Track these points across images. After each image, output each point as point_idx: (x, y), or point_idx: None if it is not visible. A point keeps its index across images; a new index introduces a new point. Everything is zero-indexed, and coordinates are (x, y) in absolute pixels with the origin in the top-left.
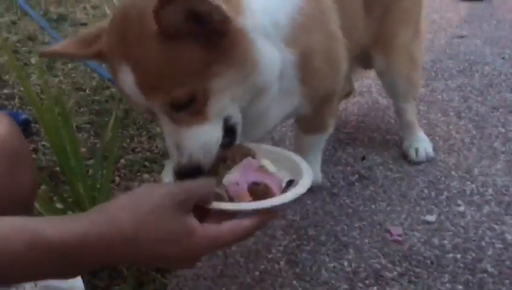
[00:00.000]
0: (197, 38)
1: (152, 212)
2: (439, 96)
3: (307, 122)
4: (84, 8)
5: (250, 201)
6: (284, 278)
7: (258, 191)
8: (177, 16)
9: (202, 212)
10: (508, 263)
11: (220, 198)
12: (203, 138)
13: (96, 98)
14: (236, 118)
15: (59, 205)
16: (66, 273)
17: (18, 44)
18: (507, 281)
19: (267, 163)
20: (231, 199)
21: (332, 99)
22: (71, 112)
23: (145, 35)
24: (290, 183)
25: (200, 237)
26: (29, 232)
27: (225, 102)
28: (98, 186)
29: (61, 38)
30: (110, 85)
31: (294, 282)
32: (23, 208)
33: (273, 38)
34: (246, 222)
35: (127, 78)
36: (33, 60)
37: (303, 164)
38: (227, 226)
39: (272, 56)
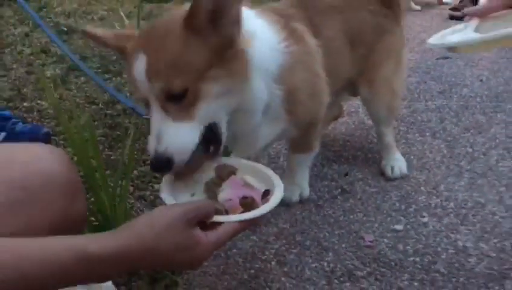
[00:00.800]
0: (209, 40)
1: (167, 228)
2: (419, 117)
3: (295, 143)
4: (92, 18)
5: (241, 212)
6: (274, 275)
7: (246, 203)
8: (207, 8)
9: (204, 223)
10: (456, 265)
11: (219, 212)
12: (182, 135)
13: (109, 112)
14: (222, 127)
15: None
16: (103, 279)
17: (32, 57)
18: (454, 279)
19: (249, 178)
20: (227, 212)
21: (316, 125)
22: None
23: (168, 31)
24: (267, 193)
25: (205, 244)
26: (76, 248)
27: (212, 107)
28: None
29: (71, 51)
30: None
31: (283, 279)
32: (80, 227)
33: (264, 78)
34: (235, 225)
35: (140, 65)
36: (48, 73)
37: (273, 176)
38: (222, 230)
39: (260, 87)
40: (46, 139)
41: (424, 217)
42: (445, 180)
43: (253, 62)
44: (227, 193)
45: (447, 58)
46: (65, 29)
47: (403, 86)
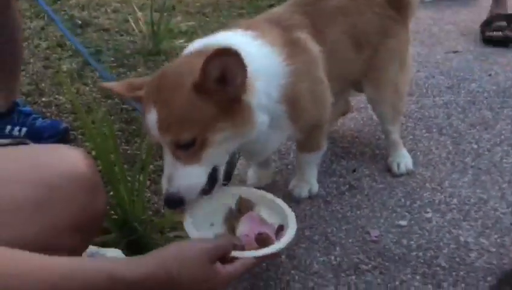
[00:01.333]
0: (216, 99)
1: (192, 262)
2: (426, 113)
3: (302, 144)
4: (106, 11)
5: (256, 248)
6: (284, 268)
7: (261, 239)
8: (216, 69)
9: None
10: (457, 259)
11: (237, 246)
12: (192, 178)
13: (125, 106)
14: (221, 170)
15: None
16: None
17: (48, 51)
18: (454, 273)
19: (264, 214)
20: (243, 247)
21: (322, 128)
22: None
23: (177, 87)
24: (281, 228)
25: (223, 275)
26: (107, 271)
27: (219, 152)
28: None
29: (85, 44)
30: None
31: (292, 271)
32: (100, 223)
33: (267, 107)
34: (251, 259)
35: (152, 117)
36: (64, 68)
37: (287, 210)
38: (239, 263)
39: (262, 120)
40: (65, 134)
41: (428, 212)
42: (449, 176)
43: (257, 103)
44: (245, 228)
45: (456, 52)
46: (79, 22)
47: (407, 86)
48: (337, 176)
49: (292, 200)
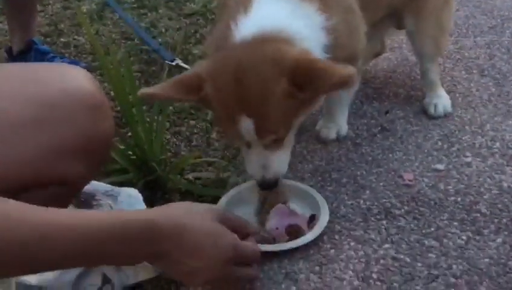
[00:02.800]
0: (304, 97)
1: (198, 213)
2: (466, 54)
3: None
4: None
5: (287, 240)
6: None
7: (292, 231)
8: (302, 78)
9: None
10: (500, 206)
11: (266, 240)
12: (281, 163)
13: (145, 47)
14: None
15: (122, 146)
16: (126, 258)
17: None
18: (496, 220)
19: (294, 206)
20: (274, 239)
21: (356, 61)
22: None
23: (267, 93)
24: (313, 217)
25: (229, 239)
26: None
27: (294, 133)
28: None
29: None
30: (157, 35)
31: None
32: (105, 148)
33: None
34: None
35: (247, 126)
36: (84, 9)
37: (318, 197)
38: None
39: None
40: None
41: (467, 156)
42: (491, 119)
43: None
44: (274, 222)
45: None
46: None
47: (451, 20)
48: (368, 117)
49: (319, 141)
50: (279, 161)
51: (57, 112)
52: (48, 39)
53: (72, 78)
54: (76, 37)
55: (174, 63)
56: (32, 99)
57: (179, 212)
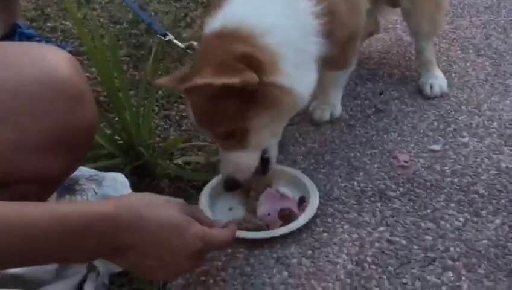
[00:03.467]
0: (233, 95)
1: (161, 204)
2: (462, 34)
3: (332, 60)
4: None
5: (281, 225)
6: None
7: (285, 215)
8: (207, 92)
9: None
10: (498, 186)
11: (260, 227)
12: (239, 162)
13: (134, 31)
14: (272, 152)
15: (108, 130)
16: (82, 253)
17: None
18: (494, 201)
19: (283, 189)
20: (267, 226)
21: (356, 40)
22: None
23: (200, 93)
24: (303, 199)
25: (196, 230)
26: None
27: (263, 136)
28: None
29: None
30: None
31: None
32: (88, 139)
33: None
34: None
35: (191, 113)
36: None
37: (306, 180)
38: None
39: (307, 81)
40: None
41: (464, 137)
42: (488, 99)
43: (292, 61)
44: (265, 207)
45: None
46: None
47: (447, 1)
48: (362, 98)
49: (312, 123)
50: (237, 162)
51: (32, 101)
52: (34, 24)
53: (49, 63)
54: (63, 21)
55: (166, 38)
56: (2, 87)
57: (140, 203)
